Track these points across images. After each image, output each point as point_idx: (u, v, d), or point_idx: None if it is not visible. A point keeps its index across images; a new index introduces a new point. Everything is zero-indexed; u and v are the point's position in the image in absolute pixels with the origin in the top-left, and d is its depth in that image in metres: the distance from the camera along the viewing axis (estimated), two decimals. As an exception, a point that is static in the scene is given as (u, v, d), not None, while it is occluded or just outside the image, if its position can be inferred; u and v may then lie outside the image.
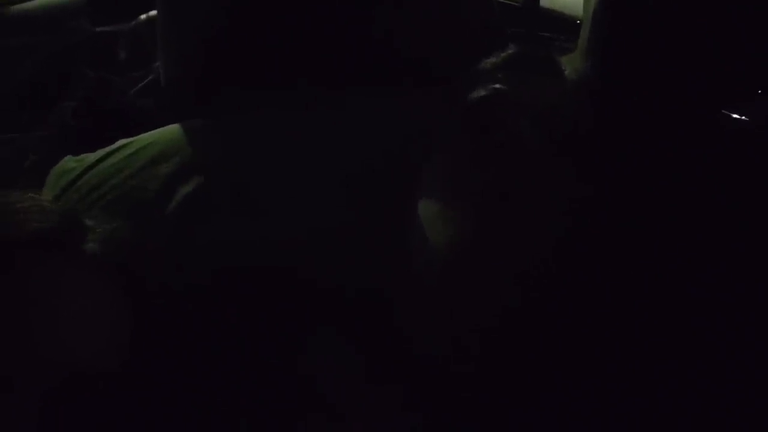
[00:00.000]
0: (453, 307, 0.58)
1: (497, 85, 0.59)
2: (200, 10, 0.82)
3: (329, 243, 0.63)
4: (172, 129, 0.76)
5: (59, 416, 0.56)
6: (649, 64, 0.58)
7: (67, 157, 0.78)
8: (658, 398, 0.56)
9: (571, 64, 0.62)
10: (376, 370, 0.60)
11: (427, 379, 0.58)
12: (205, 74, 0.83)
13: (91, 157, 0.76)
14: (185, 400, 0.61)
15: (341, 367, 0.60)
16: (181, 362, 0.60)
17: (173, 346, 0.60)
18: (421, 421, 0.59)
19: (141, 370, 0.59)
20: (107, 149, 0.76)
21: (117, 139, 0.77)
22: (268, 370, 0.61)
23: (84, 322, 0.58)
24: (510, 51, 0.62)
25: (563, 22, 1.15)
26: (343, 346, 0.61)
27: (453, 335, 0.58)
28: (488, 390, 0.57)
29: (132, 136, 0.77)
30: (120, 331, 0.59)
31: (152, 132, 0.77)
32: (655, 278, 0.57)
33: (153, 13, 1.19)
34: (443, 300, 0.58)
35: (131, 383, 0.58)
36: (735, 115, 0.63)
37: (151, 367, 0.59)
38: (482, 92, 0.59)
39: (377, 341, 0.60)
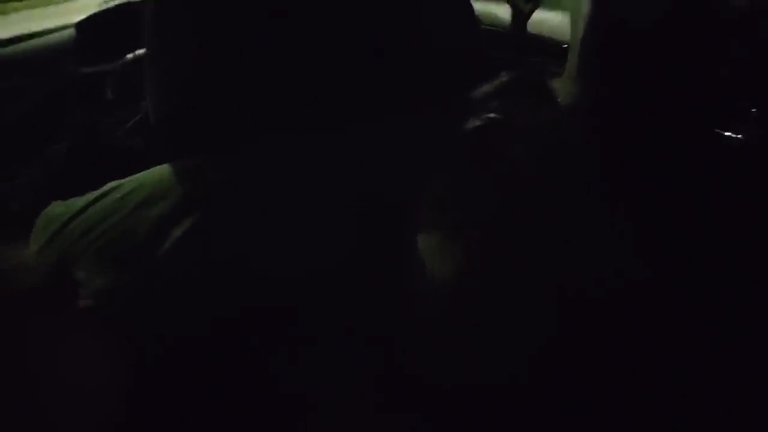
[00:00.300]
0: (456, 341, 0.56)
1: (492, 114, 0.58)
2: (187, 47, 0.82)
3: (329, 280, 0.62)
4: (161, 170, 0.75)
5: None
6: (639, 85, 0.58)
7: (56, 202, 0.77)
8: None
9: (561, 88, 0.61)
10: (377, 402, 0.59)
11: (430, 412, 0.57)
12: (193, 111, 0.82)
13: (80, 202, 0.74)
14: None
15: (346, 403, 0.59)
16: (182, 419, 0.59)
17: (173, 402, 0.59)
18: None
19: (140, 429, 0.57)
20: (96, 193, 0.75)
21: (107, 181, 0.76)
22: (274, 419, 0.60)
23: (80, 379, 0.56)
24: (503, 78, 0.62)
25: (550, 47, 1.15)
26: (347, 382, 0.60)
27: (458, 369, 0.56)
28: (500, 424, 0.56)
29: (122, 176, 0.76)
30: (118, 386, 0.57)
31: (141, 174, 0.76)
32: (661, 298, 0.56)
33: (140, 52, 1.19)
34: (446, 334, 0.57)
35: None
36: (728, 133, 0.62)
37: (150, 424, 0.57)
38: (477, 122, 0.58)
39: (379, 375, 0.59)
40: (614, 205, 0.56)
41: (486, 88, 0.61)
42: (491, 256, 0.57)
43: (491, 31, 1.16)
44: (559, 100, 0.59)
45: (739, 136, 0.63)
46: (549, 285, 0.55)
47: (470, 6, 0.80)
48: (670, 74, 0.57)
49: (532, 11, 1.22)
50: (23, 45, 1.50)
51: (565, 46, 0.64)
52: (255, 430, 0.60)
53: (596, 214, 0.55)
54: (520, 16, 1.15)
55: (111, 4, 1.59)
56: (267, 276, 0.64)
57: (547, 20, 1.19)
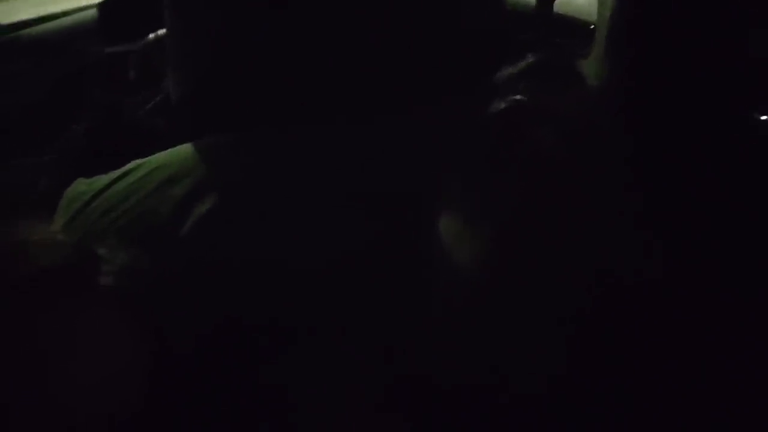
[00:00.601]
0: (480, 331, 0.56)
1: (518, 96, 0.57)
2: (210, 26, 0.81)
3: (351, 264, 0.61)
4: (185, 148, 0.75)
5: None
6: (671, 66, 0.56)
7: (79, 180, 0.77)
8: None
9: (589, 70, 0.60)
10: (391, 397, 0.58)
11: (450, 409, 0.56)
12: (215, 91, 0.82)
13: (103, 180, 0.74)
14: None
15: (346, 403, 0.58)
16: (201, 400, 0.59)
17: (193, 382, 0.59)
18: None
19: (160, 412, 0.57)
20: (118, 172, 0.75)
21: (129, 160, 0.76)
22: (295, 403, 0.59)
23: (101, 359, 0.56)
24: (529, 59, 0.61)
25: (577, 28, 1.14)
26: (347, 382, 0.59)
27: (481, 361, 0.56)
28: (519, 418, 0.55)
29: (144, 156, 0.76)
30: (139, 367, 0.57)
31: (164, 152, 0.76)
32: (693, 285, 0.55)
33: (162, 32, 1.18)
34: (469, 323, 0.56)
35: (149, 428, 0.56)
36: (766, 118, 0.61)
37: (170, 408, 0.57)
38: (503, 103, 0.57)
39: (396, 367, 0.59)
40: (642, 192, 0.55)
41: (512, 69, 0.60)
42: (514, 242, 0.56)
43: (517, 12, 1.15)
44: (586, 82, 0.58)
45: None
46: (573, 273, 0.54)
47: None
48: (703, 56, 0.55)
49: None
50: (46, 25, 1.50)
51: (593, 26, 0.62)
52: (254, 428, 0.60)
53: (623, 201, 0.54)
54: (546, -4, 1.14)
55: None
56: (286, 259, 0.64)
57: (574, 0, 1.17)
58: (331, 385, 0.59)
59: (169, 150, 0.76)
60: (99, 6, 1.51)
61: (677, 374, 0.55)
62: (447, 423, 0.57)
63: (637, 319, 0.55)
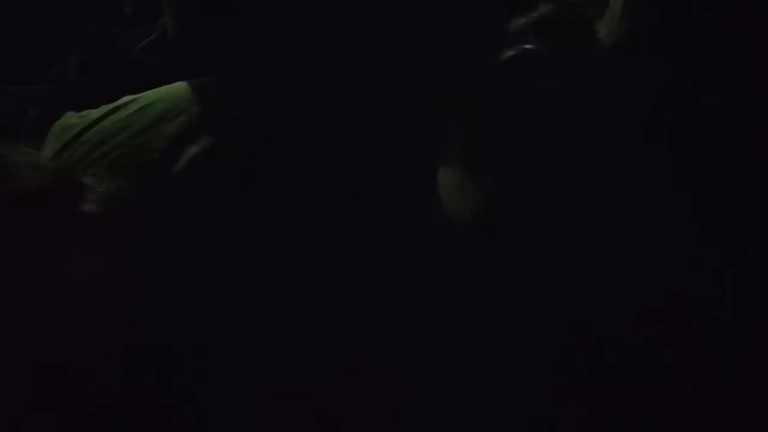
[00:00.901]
0: (479, 283, 0.55)
1: (528, 46, 0.55)
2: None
3: (347, 212, 0.60)
4: (180, 86, 0.74)
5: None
6: (694, 27, 0.53)
7: (70, 113, 0.76)
8: None
9: (604, 27, 0.58)
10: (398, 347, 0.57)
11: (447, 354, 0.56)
12: (212, 30, 0.80)
13: (94, 113, 0.73)
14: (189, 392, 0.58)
15: (369, 350, 0.57)
16: (183, 347, 0.57)
17: (175, 323, 0.57)
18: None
19: (140, 356, 0.55)
20: (111, 106, 0.73)
21: (122, 96, 0.75)
22: (285, 356, 0.58)
23: (79, 288, 0.55)
24: (540, 12, 0.59)
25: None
26: (368, 326, 0.58)
27: (479, 313, 0.55)
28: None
29: (137, 93, 0.75)
30: (119, 300, 0.56)
31: (159, 89, 0.75)
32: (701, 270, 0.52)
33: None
34: (468, 274, 0.55)
35: (129, 376, 0.55)
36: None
37: (150, 354, 0.56)
38: (511, 53, 0.56)
39: (400, 318, 0.58)
40: (660, 158, 0.52)
41: (522, 21, 0.59)
42: (516, 194, 0.55)
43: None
44: (598, 37, 0.56)
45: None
46: (575, 229, 0.53)
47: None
48: (730, 20, 0.52)
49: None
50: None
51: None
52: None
53: (635, 159, 0.52)
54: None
55: None
56: (281, 203, 0.63)
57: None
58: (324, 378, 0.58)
59: (164, 87, 0.75)
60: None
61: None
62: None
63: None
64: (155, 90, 0.74)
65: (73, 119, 0.73)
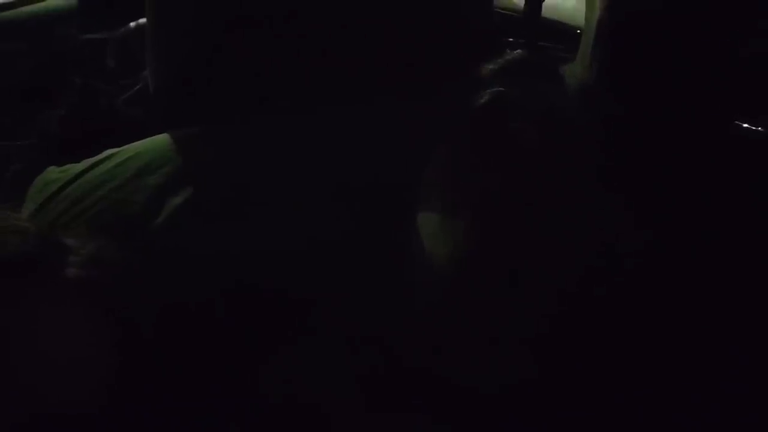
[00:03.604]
0: (457, 322, 0.55)
1: (498, 89, 0.57)
2: (190, 17, 0.80)
3: (326, 256, 0.61)
4: (161, 138, 0.74)
5: None
6: (655, 73, 0.56)
7: (51, 168, 0.76)
8: None
9: (571, 72, 0.60)
10: (373, 390, 0.58)
11: (432, 401, 0.56)
12: (194, 82, 0.81)
13: (76, 167, 0.73)
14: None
15: (340, 391, 0.58)
16: (170, 395, 0.57)
17: (161, 376, 0.57)
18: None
19: (126, 408, 0.55)
20: (93, 160, 0.74)
21: (104, 149, 0.75)
22: (263, 396, 0.58)
23: (64, 352, 0.55)
24: (510, 56, 0.61)
25: (564, 32, 1.14)
26: (340, 367, 0.58)
27: (462, 353, 0.55)
28: (504, 410, 0.55)
29: (120, 146, 0.75)
30: (104, 362, 0.56)
31: (140, 141, 0.75)
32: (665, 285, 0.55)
33: (142, 20, 1.17)
34: (446, 314, 0.56)
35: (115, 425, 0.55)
36: (747, 125, 0.61)
37: (137, 404, 0.56)
38: (484, 97, 0.57)
39: (374, 359, 0.58)
40: (619, 190, 0.55)
41: (493, 65, 0.60)
42: (492, 235, 0.56)
43: (505, 15, 1.15)
44: (566, 80, 0.58)
45: (759, 128, 0.62)
46: (550, 267, 0.54)
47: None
48: (687, 62, 0.55)
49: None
50: (24, 9, 1.48)
51: (579, 31, 0.62)
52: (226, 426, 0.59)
53: (597, 197, 0.54)
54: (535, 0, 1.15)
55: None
56: (263, 252, 0.63)
57: (562, 5, 1.18)
58: (322, 385, 0.58)
59: (146, 139, 0.75)
60: (79, -8, 1.49)
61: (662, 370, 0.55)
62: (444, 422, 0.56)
63: (613, 314, 0.55)
64: (137, 143, 0.75)
65: (54, 174, 0.74)
